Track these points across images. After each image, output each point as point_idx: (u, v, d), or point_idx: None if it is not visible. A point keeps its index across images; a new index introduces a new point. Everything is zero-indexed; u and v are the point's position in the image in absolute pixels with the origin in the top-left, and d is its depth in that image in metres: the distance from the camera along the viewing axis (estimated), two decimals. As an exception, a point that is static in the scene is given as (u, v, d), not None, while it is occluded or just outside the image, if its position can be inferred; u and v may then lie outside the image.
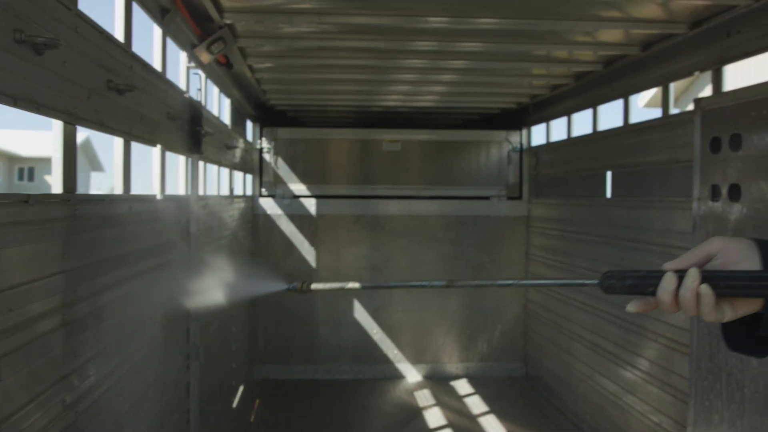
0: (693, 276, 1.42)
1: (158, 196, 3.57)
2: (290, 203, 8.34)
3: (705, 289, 1.41)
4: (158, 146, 3.53)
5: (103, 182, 42.75)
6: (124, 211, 2.90)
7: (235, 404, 6.33)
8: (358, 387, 8.09)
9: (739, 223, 4.19)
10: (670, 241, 5.12)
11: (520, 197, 8.56)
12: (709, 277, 1.42)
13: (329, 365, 8.45)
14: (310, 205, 8.37)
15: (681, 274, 1.44)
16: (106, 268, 2.67)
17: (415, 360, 8.50)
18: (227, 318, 5.93)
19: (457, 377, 8.42)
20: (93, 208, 2.51)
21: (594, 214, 6.55)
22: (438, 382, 8.27)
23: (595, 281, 1.54)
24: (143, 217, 3.21)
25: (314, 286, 1.76)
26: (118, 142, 2.95)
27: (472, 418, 7.01)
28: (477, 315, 8.54)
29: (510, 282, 1.77)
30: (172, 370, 3.85)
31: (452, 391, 7.94)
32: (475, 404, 7.45)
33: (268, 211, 8.29)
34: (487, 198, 8.57)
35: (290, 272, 8.35)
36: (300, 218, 8.36)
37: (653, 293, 1.47)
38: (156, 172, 3.56)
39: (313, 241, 8.38)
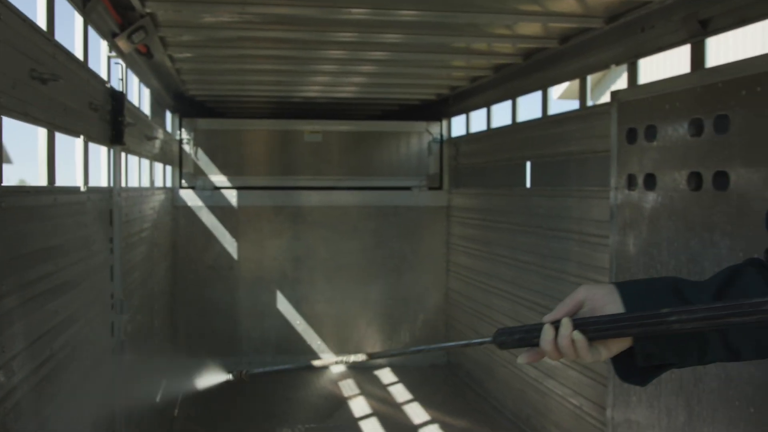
0: (566, 325, 1.57)
1: (82, 188, 3.51)
2: (211, 195, 8.26)
3: (577, 335, 1.56)
4: (81, 137, 3.47)
5: (12, 174, 41.45)
6: (49, 203, 2.85)
7: (158, 398, 6.25)
8: (282, 378, 8.07)
9: (654, 212, 4.34)
10: (588, 229, 5.27)
11: (440, 188, 8.67)
12: (580, 324, 1.56)
13: (252, 357, 8.41)
14: (232, 196, 8.31)
15: (557, 324, 1.59)
16: (31, 261, 2.61)
17: (338, 350, 8.53)
18: (149, 312, 5.86)
19: (380, 366, 8.49)
20: (19, 200, 2.46)
21: (513, 203, 6.69)
22: (362, 371, 8.32)
23: (489, 339, 1.68)
24: (67, 210, 3.15)
25: (257, 370, 1.81)
26: (41, 132, 2.89)
27: (397, 406, 7.09)
28: (399, 304, 8.62)
29: (421, 348, 1.91)
30: (99, 363, 3.79)
31: (376, 380, 8.01)
32: (399, 392, 7.53)
33: (189, 203, 8.20)
34: (407, 188, 8.65)
35: (211, 265, 8.28)
36: (221, 210, 8.29)
37: (537, 344, 1.61)
38: (79, 164, 3.50)
39: (234, 233, 8.32)
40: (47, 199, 2.84)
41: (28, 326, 2.56)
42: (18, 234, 2.46)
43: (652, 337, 1.54)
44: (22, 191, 2.58)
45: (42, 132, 2.89)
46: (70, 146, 3.58)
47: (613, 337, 1.56)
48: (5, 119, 2.35)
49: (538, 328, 1.61)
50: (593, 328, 1.55)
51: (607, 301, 1.58)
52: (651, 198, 4.37)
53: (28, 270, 2.57)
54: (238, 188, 8.34)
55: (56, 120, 2.94)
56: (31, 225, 2.62)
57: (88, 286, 3.57)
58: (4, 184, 2.34)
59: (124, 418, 4.39)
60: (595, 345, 1.57)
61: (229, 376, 1.80)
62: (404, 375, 8.14)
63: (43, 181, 2.92)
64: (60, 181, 3.08)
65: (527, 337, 1.62)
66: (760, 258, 1.67)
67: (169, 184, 7.89)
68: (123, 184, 4.44)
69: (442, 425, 6.46)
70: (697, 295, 1.57)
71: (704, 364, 1.63)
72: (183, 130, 8.24)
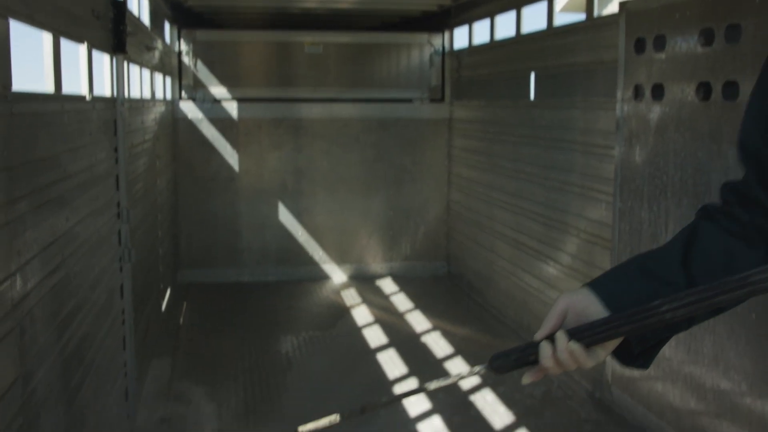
0: (561, 339, 1.57)
1: (87, 97, 3.48)
2: (211, 107, 8.20)
3: (573, 345, 1.57)
4: (85, 44, 3.42)
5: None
6: (56, 110, 2.83)
7: (164, 307, 6.34)
8: (284, 288, 8.17)
9: (661, 122, 4.33)
10: (593, 140, 5.25)
11: (442, 100, 8.60)
12: (573, 333, 1.57)
13: (254, 268, 8.49)
14: (232, 108, 8.25)
15: (551, 338, 1.59)
16: (41, 167, 2.61)
17: (340, 261, 8.61)
18: (153, 222, 5.88)
19: (381, 277, 8.59)
20: (29, 106, 2.44)
21: (517, 115, 6.65)
22: (363, 281, 8.42)
23: (484, 366, 1.66)
24: (74, 118, 3.13)
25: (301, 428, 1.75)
26: (47, 38, 2.85)
27: (399, 315, 7.20)
28: (400, 216, 8.66)
29: (418, 389, 1.82)
30: (107, 271, 3.83)
31: (378, 290, 8.11)
32: (401, 302, 7.63)
33: (189, 115, 8.14)
34: (409, 101, 8.59)
35: (212, 177, 8.28)
36: (221, 122, 8.24)
37: (536, 362, 1.61)
38: (83, 72, 3.46)
39: (235, 145, 8.29)
40: (55, 106, 2.82)
41: (40, 232, 2.57)
42: (28, 140, 2.45)
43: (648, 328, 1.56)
44: (32, 97, 2.56)
45: (47, 38, 2.85)
46: (70, 56, 3.53)
47: (609, 339, 1.57)
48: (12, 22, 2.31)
49: (533, 346, 1.61)
50: (588, 334, 1.57)
51: (587, 304, 1.60)
52: (658, 109, 4.35)
53: (38, 176, 2.57)
54: (238, 100, 8.27)
55: (61, 26, 2.89)
56: (39, 132, 2.61)
57: (95, 195, 3.58)
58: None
59: (131, 326, 4.46)
60: (593, 348, 1.59)
61: None
62: (406, 285, 8.24)
63: (49, 89, 2.89)
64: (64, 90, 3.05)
65: (524, 357, 1.62)
66: (711, 204, 1.70)
67: (169, 96, 7.82)
68: (126, 94, 4.40)
69: (444, 333, 6.57)
70: (667, 269, 1.60)
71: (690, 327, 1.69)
72: (182, 41, 8.13)
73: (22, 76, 2.39)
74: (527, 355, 1.62)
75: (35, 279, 2.50)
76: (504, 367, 1.64)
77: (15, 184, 2.27)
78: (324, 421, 1.78)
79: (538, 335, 1.62)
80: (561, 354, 1.58)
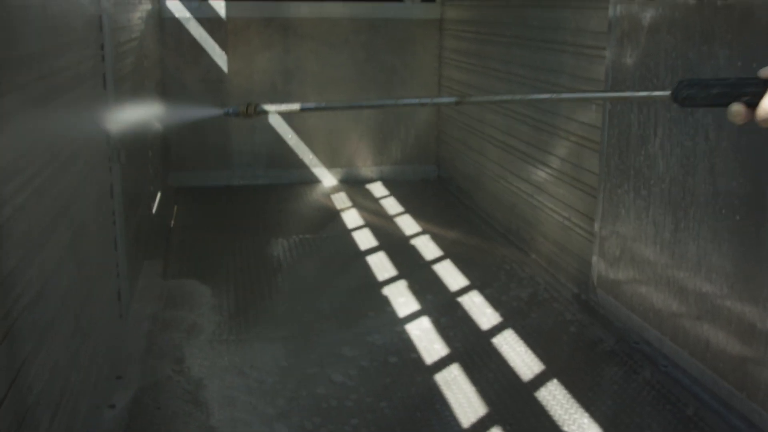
0: None
1: (71, -9, 3.41)
2: (198, 6, 8.04)
3: None
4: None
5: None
6: (38, 3, 2.77)
7: (154, 210, 6.35)
8: (274, 191, 8.19)
9: (654, 23, 4.28)
10: (584, 41, 5.20)
11: (433, 0, 8.46)
12: None
13: (244, 171, 8.48)
14: (220, 7, 8.09)
15: None
16: (27, 62, 2.58)
17: (330, 164, 8.60)
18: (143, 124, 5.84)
19: (371, 180, 8.60)
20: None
21: (508, 15, 6.55)
22: (353, 185, 8.44)
23: (666, 93, 1.41)
24: (58, 11, 3.07)
25: (267, 107, 1.63)
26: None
27: (388, 218, 7.24)
28: (390, 119, 8.62)
29: (553, 96, 1.57)
30: (96, 171, 3.83)
31: (367, 194, 8.14)
32: (390, 205, 7.67)
33: (176, 14, 7.99)
34: (400, 0, 8.44)
35: (201, 79, 8.19)
36: (209, 22, 8.10)
37: (749, 102, 1.35)
38: (66, -35, 3.38)
39: (223, 46, 8.17)
40: (37, 0, 2.76)
41: (29, 127, 2.56)
42: (12, 33, 2.41)
43: None
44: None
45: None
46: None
47: None
48: None
49: (751, 83, 1.34)
50: None
51: None
52: (651, 8, 4.29)
53: (25, 70, 2.54)
54: (226, -1, 8.12)
55: None
56: (24, 26, 2.57)
57: (83, 93, 3.54)
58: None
59: (123, 226, 4.48)
60: None
61: (231, 109, 1.64)
62: (395, 188, 8.26)
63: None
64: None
65: (732, 93, 1.35)
66: None
67: (155, -7, 7.66)
68: (110, -11, 4.31)
69: (433, 236, 6.63)
70: None
71: None
72: (167, -64, 7.91)
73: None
74: (737, 93, 1.35)
75: (28, 172, 2.50)
76: (695, 99, 1.40)
77: (1, 79, 2.25)
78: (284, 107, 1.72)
79: (765, 72, 1.35)
80: None
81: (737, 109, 1.36)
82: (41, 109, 2.76)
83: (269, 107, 1.68)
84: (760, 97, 1.33)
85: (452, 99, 1.48)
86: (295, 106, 1.75)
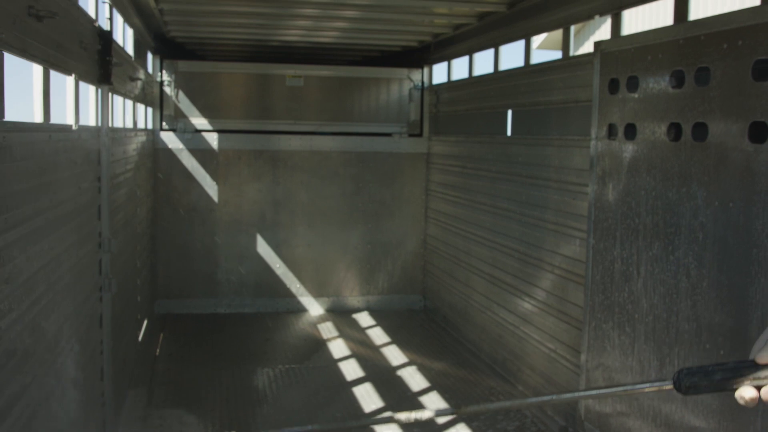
0: None
1: (74, 126, 3.54)
2: (192, 137, 8.26)
3: None
4: (72, 75, 3.49)
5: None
6: (44, 139, 2.88)
7: (140, 338, 6.34)
8: (262, 320, 8.19)
9: (634, 161, 4.44)
10: (567, 177, 5.36)
11: (420, 134, 8.72)
12: None
13: (231, 299, 8.50)
14: (212, 139, 8.31)
15: None
16: (30, 196, 2.66)
17: (317, 294, 8.65)
18: (132, 252, 5.91)
19: (358, 310, 8.63)
20: (19, 137, 2.50)
21: (494, 151, 6.76)
22: (340, 314, 8.45)
23: (668, 383, 1.44)
24: (61, 147, 3.18)
25: None
26: (37, 70, 2.91)
27: (375, 348, 7.23)
28: (377, 249, 8.73)
29: (552, 397, 1.59)
30: (88, 301, 3.86)
31: (354, 323, 8.14)
32: (377, 335, 7.67)
33: (170, 145, 8.20)
34: (388, 135, 8.70)
35: (192, 208, 8.32)
36: (202, 153, 8.30)
37: (756, 385, 1.41)
38: (70, 102, 3.52)
39: (215, 176, 8.34)
40: (43, 136, 2.87)
41: (28, 260, 2.61)
42: (18, 169, 2.50)
43: None
44: (23, 128, 2.61)
45: (38, 69, 2.92)
46: (58, 87, 3.59)
47: None
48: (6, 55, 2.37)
49: (749, 367, 1.41)
50: None
51: None
52: (631, 148, 4.46)
53: (26, 205, 2.62)
54: (218, 131, 8.34)
55: (51, 58, 2.96)
56: (28, 161, 2.66)
57: (79, 224, 3.62)
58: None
59: (110, 355, 4.48)
60: None
61: None
62: (382, 319, 8.28)
63: (38, 119, 2.95)
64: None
65: (734, 378, 1.42)
66: None
67: (150, 126, 7.88)
68: (110, 125, 4.46)
69: (420, 367, 6.61)
70: None
71: None
72: (164, 72, 8.20)
73: (11, 107, 2.45)
74: (737, 377, 1.41)
75: (25, 303, 2.54)
76: (699, 387, 1.43)
77: (5, 214, 2.32)
78: None
79: (763, 358, 1.41)
80: None
81: (752, 396, 1.44)
82: (40, 242, 2.82)
83: None
84: (762, 380, 1.41)
85: (450, 410, 1.52)
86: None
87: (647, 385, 1.51)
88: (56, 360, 3.13)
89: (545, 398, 1.66)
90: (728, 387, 1.42)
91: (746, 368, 1.41)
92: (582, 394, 1.46)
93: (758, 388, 1.43)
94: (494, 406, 1.71)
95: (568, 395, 1.74)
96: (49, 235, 2.96)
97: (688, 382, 1.43)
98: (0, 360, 2.27)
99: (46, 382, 2.91)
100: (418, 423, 5.37)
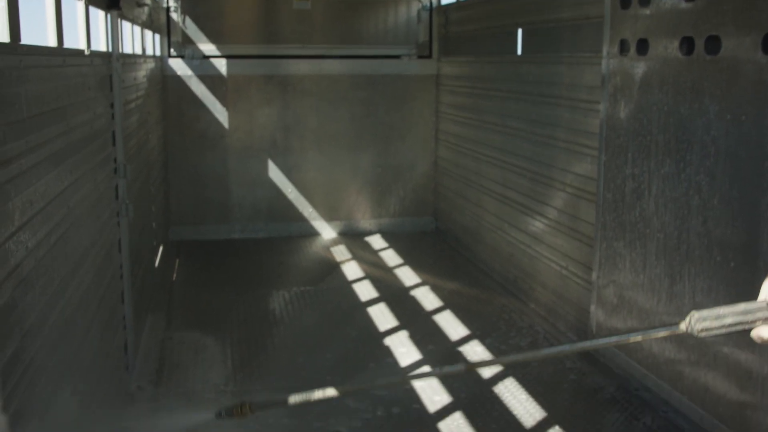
0: None
1: (86, 52, 3.54)
2: (200, 64, 8.22)
3: None
4: (83, 0, 3.48)
5: None
6: (59, 63, 2.90)
7: (156, 264, 6.43)
8: (275, 245, 8.28)
9: (646, 77, 4.42)
10: (579, 95, 5.35)
11: (430, 56, 8.65)
12: None
13: (244, 224, 8.58)
14: (221, 65, 8.27)
15: None
16: (47, 120, 2.69)
17: (329, 217, 8.71)
18: (146, 179, 5.96)
19: (370, 233, 8.70)
20: (36, 59, 2.51)
21: (504, 70, 6.73)
22: (352, 238, 8.53)
23: (680, 326, 1.48)
24: (75, 72, 3.20)
25: (258, 403, 1.58)
26: (48, -6, 2.91)
27: (388, 270, 7.32)
28: (388, 172, 8.75)
29: (565, 348, 1.64)
30: (106, 226, 3.92)
31: (367, 246, 8.23)
32: (390, 257, 7.75)
33: (178, 72, 8.16)
34: (397, 57, 8.63)
35: (202, 134, 8.33)
36: (210, 79, 8.27)
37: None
38: (81, 27, 3.52)
39: (224, 102, 8.33)
40: (57, 60, 2.88)
41: (46, 185, 2.65)
42: (35, 93, 2.53)
43: None
44: (38, 51, 2.62)
45: (49, -6, 2.92)
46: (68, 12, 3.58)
47: None
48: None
49: (761, 309, 1.44)
50: None
51: None
52: (643, 64, 4.44)
53: (45, 128, 2.65)
54: (227, 57, 8.29)
55: (61, -18, 2.95)
56: (45, 84, 2.68)
57: (94, 149, 3.65)
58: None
59: (130, 280, 4.56)
60: None
61: (221, 412, 1.60)
62: (394, 241, 8.36)
63: (52, 43, 2.96)
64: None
65: (745, 321, 1.45)
66: None
67: (158, 52, 7.84)
68: (120, 51, 4.45)
69: (433, 287, 6.70)
70: None
71: None
72: (170, -4, 8.12)
73: (26, 30, 2.45)
74: (748, 320, 1.46)
75: (44, 230, 2.59)
76: (712, 329, 1.48)
77: (26, 137, 2.35)
78: (318, 394, 1.72)
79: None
80: None
81: (763, 332, 1.47)
82: (59, 167, 2.86)
83: (261, 403, 1.67)
84: None
85: (460, 367, 1.59)
86: (284, 398, 1.76)
87: (661, 330, 1.57)
88: (80, 283, 3.20)
89: (557, 349, 1.74)
90: (740, 329, 1.47)
91: (759, 310, 1.46)
92: (593, 343, 1.52)
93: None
94: (505, 359, 1.75)
95: (579, 345, 1.80)
96: (66, 159, 2.99)
97: (700, 326, 1.48)
98: (30, 280, 2.33)
99: (71, 304, 2.98)
100: (434, 341, 5.48)
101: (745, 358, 3.70)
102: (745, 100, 3.65)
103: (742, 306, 1.48)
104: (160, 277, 6.53)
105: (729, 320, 1.47)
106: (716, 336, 1.50)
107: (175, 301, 6.40)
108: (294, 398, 1.74)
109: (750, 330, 1.48)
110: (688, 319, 1.48)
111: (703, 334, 1.48)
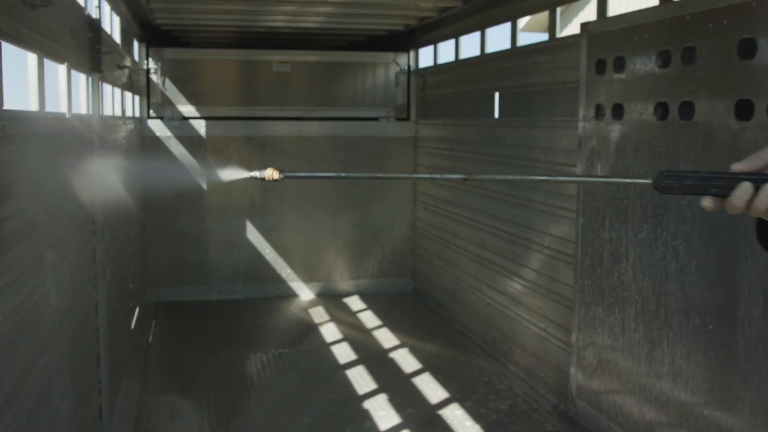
0: None
1: (67, 115, 3.55)
2: (179, 125, 8.25)
3: None
4: (65, 64, 3.50)
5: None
6: (40, 127, 2.90)
7: (133, 326, 6.36)
8: (253, 306, 8.23)
9: (621, 141, 4.49)
10: (556, 158, 5.41)
11: (407, 118, 8.75)
12: None
13: (222, 285, 8.53)
14: (200, 126, 8.31)
15: (754, 179, 1.47)
16: (28, 185, 2.68)
17: (307, 279, 8.68)
18: (125, 239, 5.93)
19: (348, 294, 8.67)
20: (17, 125, 2.52)
21: (481, 133, 6.80)
22: (330, 299, 8.50)
23: (648, 180, 1.57)
24: (57, 135, 3.20)
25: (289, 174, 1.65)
26: (32, 58, 2.92)
27: (366, 331, 7.29)
28: (367, 234, 8.77)
29: (545, 178, 1.75)
30: (84, 289, 3.88)
31: (345, 308, 8.19)
32: (368, 319, 7.72)
33: (157, 133, 8.19)
34: (375, 119, 8.72)
35: (180, 195, 8.32)
36: (189, 140, 8.29)
37: (717, 195, 1.50)
38: (63, 90, 3.53)
39: (203, 163, 8.34)
40: (39, 125, 2.89)
41: (26, 248, 2.64)
42: (17, 157, 2.52)
43: None
44: (21, 117, 2.63)
45: (32, 58, 2.93)
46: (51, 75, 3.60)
47: None
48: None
49: (721, 177, 1.49)
50: None
51: None
52: (618, 128, 4.52)
53: (25, 194, 2.64)
54: (206, 118, 8.33)
55: (45, 46, 2.97)
56: (25, 149, 2.68)
57: (74, 212, 3.64)
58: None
59: (106, 343, 4.50)
60: None
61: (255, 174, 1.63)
62: (372, 302, 8.33)
63: (34, 107, 2.96)
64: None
65: (703, 186, 1.51)
66: None
67: (137, 113, 7.86)
68: (100, 113, 4.46)
69: (412, 349, 6.67)
70: None
71: None
72: (150, 59, 8.18)
73: (8, 95, 2.46)
74: (708, 185, 1.51)
75: (22, 294, 2.57)
76: (673, 188, 1.55)
77: (6, 202, 2.34)
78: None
79: (738, 167, 1.50)
80: (760, 204, 1.45)
81: (707, 204, 1.53)
82: (37, 230, 2.84)
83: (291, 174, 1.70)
84: (729, 190, 1.50)
85: (460, 176, 1.65)
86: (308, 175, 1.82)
87: (630, 180, 1.73)
88: (57, 348, 3.15)
89: (541, 177, 1.87)
90: (697, 192, 1.53)
91: (717, 178, 1.51)
92: (571, 179, 1.58)
93: (723, 198, 1.51)
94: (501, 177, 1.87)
95: (562, 178, 1.88)
96: (45, 223, 2.98)
97: (665, 183, 1.55)
98: (7, 346, 2.30)
99: (47, 370, 2.93)
100: (413, 404, 5.44)
101: (725, 419, 3.70)
102: (719, 165, 3.71)
103: (705, 173, 1.53)
104: (136, 339, 6.45)
105: (689, 182, 1.54)
106: (675, 194, 1.57)
107: (150, 364, 6.33)
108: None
109: (710, 195, 1.53)
110: (657, 174, 1.55)
111: (665, 191, 1.56)
